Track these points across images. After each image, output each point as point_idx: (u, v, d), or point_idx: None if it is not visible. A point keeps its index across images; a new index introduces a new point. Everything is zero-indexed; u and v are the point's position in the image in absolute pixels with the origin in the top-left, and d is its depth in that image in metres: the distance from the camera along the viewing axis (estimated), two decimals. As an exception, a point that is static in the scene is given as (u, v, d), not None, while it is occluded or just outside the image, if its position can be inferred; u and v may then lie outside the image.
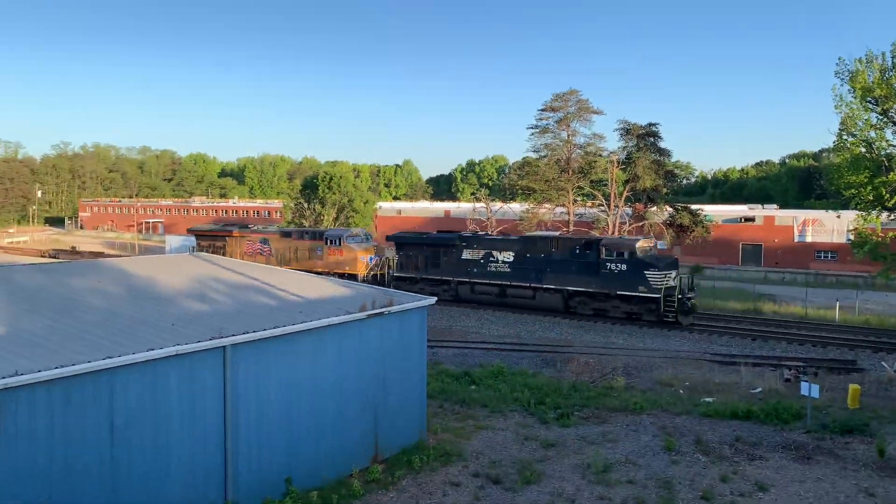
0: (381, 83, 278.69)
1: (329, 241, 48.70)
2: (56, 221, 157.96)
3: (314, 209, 58.33)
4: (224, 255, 49.01)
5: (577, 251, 39.46)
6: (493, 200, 64.92)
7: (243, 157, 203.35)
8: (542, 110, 51.94)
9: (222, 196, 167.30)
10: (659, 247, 43.87)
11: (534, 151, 53.63)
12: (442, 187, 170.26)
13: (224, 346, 14.92)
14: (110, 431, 12.65)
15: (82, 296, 17.88)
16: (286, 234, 52.51)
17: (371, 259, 47.34)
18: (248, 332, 15.43)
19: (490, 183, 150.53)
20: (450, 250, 44.14)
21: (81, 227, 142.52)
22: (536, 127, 52.75)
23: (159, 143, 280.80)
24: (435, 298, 21.83)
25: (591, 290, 38.56)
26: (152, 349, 13.56)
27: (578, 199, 53.30)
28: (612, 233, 49.18)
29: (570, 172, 51.45)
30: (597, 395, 23.84)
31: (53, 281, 19.62)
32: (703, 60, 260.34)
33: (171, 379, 13.94)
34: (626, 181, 49.44)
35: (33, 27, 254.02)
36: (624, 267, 37.19)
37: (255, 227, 58.06)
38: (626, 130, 49.80)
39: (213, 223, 65.87)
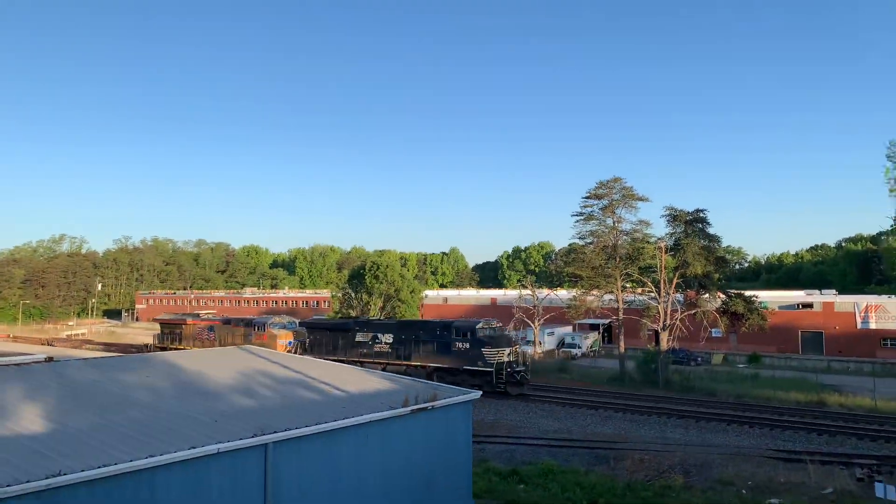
0: (426, 174, 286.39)
1: (256, 327, 57.22)
2: (114, 314, 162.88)
3: (361, 299, 58.94)
4: (181, 339, 62.18)
5: (437, 332, 44.77)
6: (539, 287, 64.50)
7: (294, 248, 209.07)
8: (587, 197, 52.20)
9: (273, 287, 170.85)
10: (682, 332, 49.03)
11: (579, 238, 53.58)
12: (488, 274, 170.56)
13: (266, 444, 14.73)
14: (151, 532, 12.39)
15: (131, 391, 18.06)
16: (227, 322, 61.51)
17: (290, 343, 53.92)
18: (289, 429, 15.23)
19: (536, 269, 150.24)
20: (346, 334, 49.84)
21: (137, 319, 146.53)
22: (581, 214, 52.89)
23: (214, 236, 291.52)
24: (480, 392, 21.33)
25: (445, 365, 43.48)
26: (194, 447, 13.44)
27: (627, 286, 52.52)
28: (664, 320, 48.06)
29: (618, 259, 50.97)
30: (653, 496, 22.49)
31: (105, 376, 19.95)
32: (748, 143, 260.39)
33: (212, 476, 13.74)
34: (676, 268, 48.61)
35: (93, 134, 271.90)
36: (467, 345, 42.97)
37: (206, 316, 70.14)
38: (674, 217, 49.38)
39: (220, 316, 72.61)
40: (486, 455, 28.65)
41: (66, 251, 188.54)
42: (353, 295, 60.36)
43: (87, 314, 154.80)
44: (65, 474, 11.25)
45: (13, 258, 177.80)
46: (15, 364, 20.78)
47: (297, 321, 59.78)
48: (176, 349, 54.86)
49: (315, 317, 67.83)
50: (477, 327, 43.73)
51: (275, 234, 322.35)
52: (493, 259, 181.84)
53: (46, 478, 10.96)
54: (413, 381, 21.70)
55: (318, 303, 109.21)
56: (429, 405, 18.66)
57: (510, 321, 53.11)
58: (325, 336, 51.69)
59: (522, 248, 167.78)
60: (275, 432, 14.91)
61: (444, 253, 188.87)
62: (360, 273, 61.02)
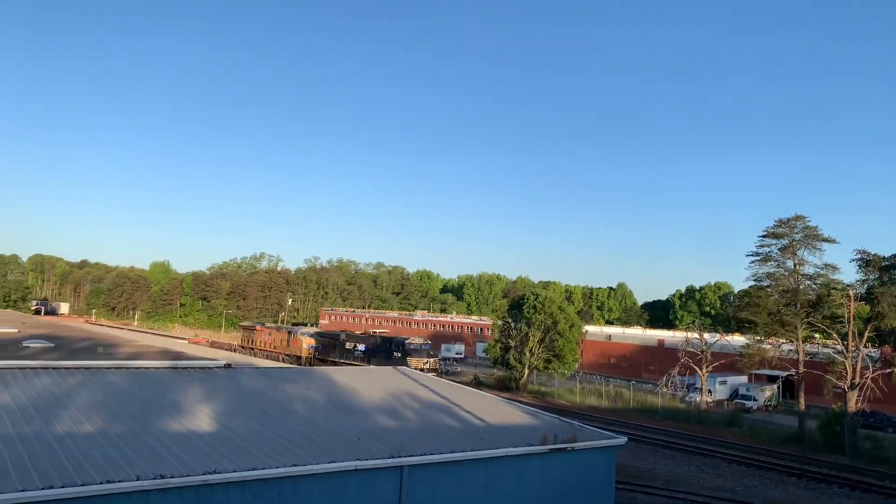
0: (595, 208, 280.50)
1: (291, 333, 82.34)
2: (301, 327, 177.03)
3: (520, 329, 59.01)
4: (253, 340, 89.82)
5: (385, 344, 66.17)
6: (713, 330, 60.48)
7: (463, 275, 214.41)
8: (764, 236, 47.78)
9: (442, 311, 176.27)
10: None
11: (755, 280, 49.19)
12: (658, 313, 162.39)
13: (402, 466, 15.31)
14: (291, 536, 13.36)
15: (290, 402, 19.62)
16: (279, 329, 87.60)
17: (312, 347, 76.86)
18: (426, 454, 15.69)
19: (712, 312, 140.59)
20: (338, 341, 73.04)
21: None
22: (757, 254, 48.44)
23: (392, 260, 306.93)
24: (626, 438, 20.48)
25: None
26: (335, 461, 14.34)
27: (810, 336, 47.34)
28: (853, 378, 42.67)
29: (798, 306, 46.01)
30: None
31: (271, 385, 21.88)
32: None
33: (350, 491, 14.51)
34: (868, 319, 42.94)
35: (291, 162, 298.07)
36: (399, 354, 62.02)
37: (267, 324, 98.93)
38: (866, 262, 43.58)
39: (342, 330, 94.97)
40: (640, 505, 27.29)
41: (264, 268, 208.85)
42: (511, 325, 60.65)
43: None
44: (219, 472, 12.53)
45: (221, 272, 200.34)
46: (200, 368, 23.45)
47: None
48: (250, 347, 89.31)
49: (322, 330, 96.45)
50: (406, 342, 64.85)
51: (446, 261, 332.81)
52: (664, 297, 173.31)
53: (203, 474, 12.29)
54: (554, 419, 21.35)
55: (481, 329, 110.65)
56: (568, 446, 18.28)
57: (676, 365, 50.00)
58: (328, 342, 75.37)
59: (697, 287, 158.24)
60: (411, 455, 15.45)
61: (611, 288, 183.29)
62: (519, 303, 61.21)
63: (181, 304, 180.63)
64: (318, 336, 79.87)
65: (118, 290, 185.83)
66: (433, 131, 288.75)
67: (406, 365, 54.05)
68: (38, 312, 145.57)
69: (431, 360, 62.49)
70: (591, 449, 18.89)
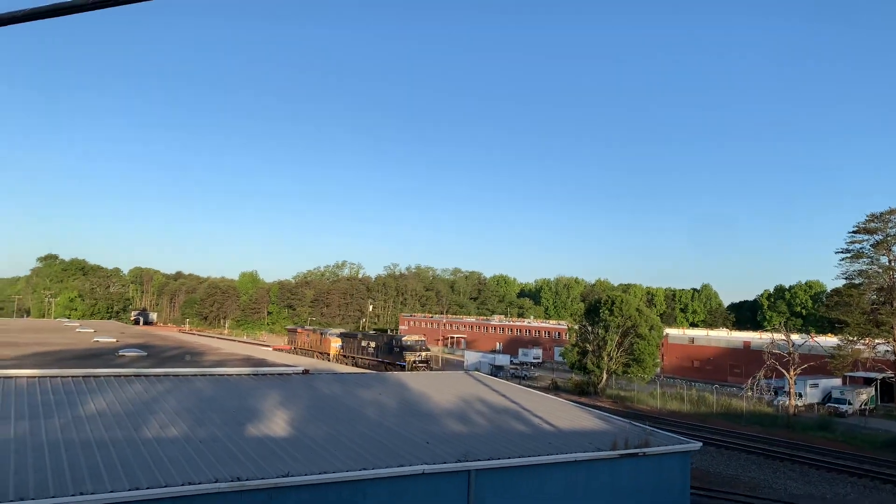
0: (675, 206, 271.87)
1: (322, 333, 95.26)
2: (381, 332, 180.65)
3: (598, 333, 58.02)
4: (296, 340, 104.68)
5: (388, 342, 78.52)
6: (804, 331, 57.62)
7: (540, 279, 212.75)
8: (855, 232, 45.06)
9: (520, 315, 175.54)
10: None
11: (845, 279, 46.41)
12: (745, 314, 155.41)
13: (469, 470, 15.55)
14: (358, 539, 13.83)
15: (362, 407, 20.23)
16: (314, 331, 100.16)
17: (340, 346, 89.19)
18: (492, 459, 15.87)
19: (804, 312, 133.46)
20: (356, 340, 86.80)
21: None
22: (847, 251, 45.74)
23: (468, 265, 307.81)
24: (700, 443, 19.97)
25: (388, 360, 74.41)
26: (402, 465, 14.73)
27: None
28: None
29: (895, 305, 43.23)
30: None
31: (345, 391, 22.61)
32: None
33: (418, 494, 14.86)
34: (976, 319, 40.05)
35: (367, 173, 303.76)
36: (399, 350, 74.32)
37: (305, 327, 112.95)
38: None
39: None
40: (721, 512, 26.48)
41: (345, 276, 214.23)
42: (588, 329, 59.73)
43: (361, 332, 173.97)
44: (291, 476, 13.15)
45: (305, 281, 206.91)
46: (278, 374, 24.48)
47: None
48: (295, 347, 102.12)
49: (349, 331, 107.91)
50: (402, 339, 77.92)
51: (522, 265, 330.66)
52: (751, 298, 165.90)
53: (276, 477, 12.94)
54: (626, 424, 21.06)
55: (559, 333, 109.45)
56: (639, 451, 18.05)
57: (762, 368, 47.73)
58: (350, 341, 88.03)
59: (787, 287, 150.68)
60: (477, 460, 15.68)
61: (695, 289, 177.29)
62: (596, 307, 60.22)
63: (268, 312, 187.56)
64: (343, 336, 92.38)
65: (210, 300, 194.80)
66: (510, 135, 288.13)
67: (402, 357, 73.31)
68: (136, 322, 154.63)
69: (423, 353, 75.91)
70: (664, 454, 18.56)
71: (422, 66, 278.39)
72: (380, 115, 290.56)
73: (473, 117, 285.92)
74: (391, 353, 75.11)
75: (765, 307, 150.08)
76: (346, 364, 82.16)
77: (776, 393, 54.43)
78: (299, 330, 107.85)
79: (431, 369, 72.26)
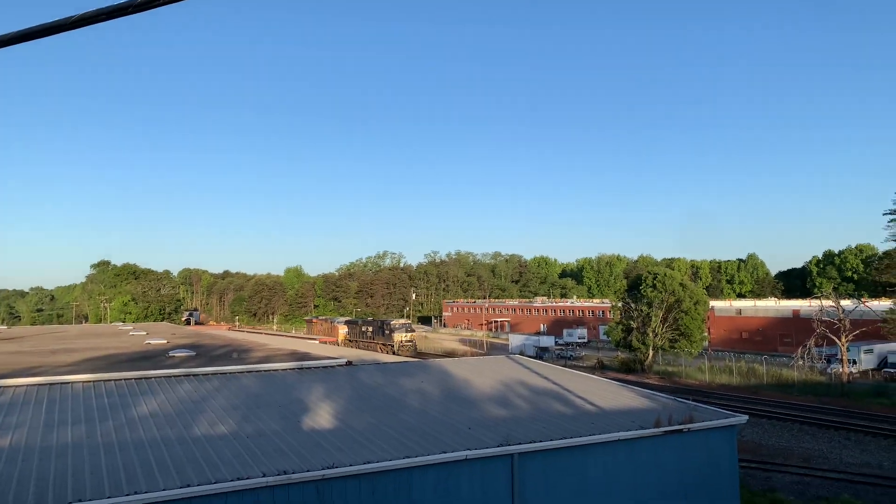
0: (714, 177, 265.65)
1: (332, 322, 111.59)
2: (425, 320, 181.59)
3: (641, 309, 57.31)
4: (312, 330, 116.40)
5: (379, 325, 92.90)
6: (855, 297, 55.91)
7: (582, 258, 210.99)
8: (904, 192, 43.68)
9: (562, 296, 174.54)
10: None
11: (893, 240, 44.84)
12: (794, 283, 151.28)
13: (511, 454, 15.66)
14: (407, 527, 14.09)
15: (405, 396, 20.52)
16: (326, 321, 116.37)
17: (346, 332, 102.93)
18: (534, 442, 15.95)
19: (855, 277, 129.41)
20: (357, 326, 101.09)
21: (444, 326, 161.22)
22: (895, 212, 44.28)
23: (508, 248, 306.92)
24: (746, 417, 19.70)
25: (380, 342, 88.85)
26: (445, 452, 14.93)
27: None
28: None
29: (949, 267, 41.70)
30: None
31: (387, 380, 22.95)
32: None
33: (462, 480, 15.06)
34: None
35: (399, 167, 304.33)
36: (388, 332, 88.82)
37: (319, 317, 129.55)
38: None
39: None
40: (774, 484, 26.12)
41: (387, 266, 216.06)
42: (632, 306, 59.04)
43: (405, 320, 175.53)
44: (337, 467, 13.46)
45: (349, 273, 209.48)
46: (322, 367, 24.96)
47: (409, 322, 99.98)
48: (311, 335, 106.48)
49: (350, 318, 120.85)
50: (391, 323, 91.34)
51: (563, 245, 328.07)
52: (799, 265, 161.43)
53: (322, 469, 13.26)
54: (670, 400, 20.90)
55: (603, 312, 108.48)
56: (683, 427, 17.90)
57: (812, 336, 46.45)
58: (354, 328, 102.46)
59: (836, 252, 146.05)
60: (520, 444, 15.78)
61: (740, 260, 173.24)
62: (638, 284, 59.45)
63: (315, 306, 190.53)
64: (348, 323, 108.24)
65: (257, 297, 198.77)
66: (540, 113, 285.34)
67: (391, 338, 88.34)
68: (187, 323, 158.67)
69: (409, 334, 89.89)
70: (708, 429, 18.36)
71: (452, 44, 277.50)
72: (414, 102, 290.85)
73: (504, 91, 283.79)
74: (383, 335, 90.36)
75: (814, 274, 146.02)
76: (351, 347, 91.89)
77: (828, 361, 53.12)
78: (314, 320, 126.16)
79: (416, 347, 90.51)
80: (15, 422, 15.76)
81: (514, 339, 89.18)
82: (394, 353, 76.48)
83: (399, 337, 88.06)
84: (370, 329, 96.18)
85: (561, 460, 16.31)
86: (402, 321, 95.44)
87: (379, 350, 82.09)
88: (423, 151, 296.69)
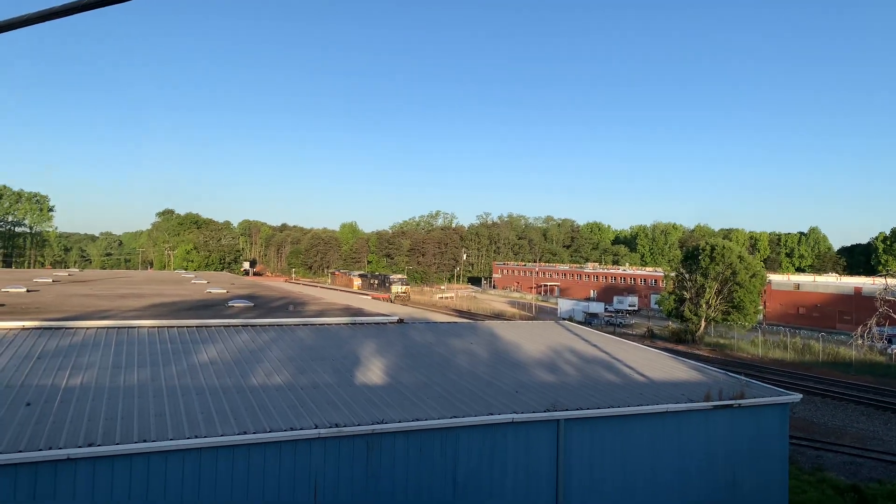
0: (779, 143, 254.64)
1: (349, 275, 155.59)
2: (475, 281, 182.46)
3: (695, 280, 56.10)
4: (335, 282, 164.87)
5: (384, 278, 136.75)
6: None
7: (636, 225, 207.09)
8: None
9: (615, 263, 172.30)
10: None
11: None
12: (857, 259, 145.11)
13: (557, 420, 15.78)
14: (453, 486, 14.45)
15: (454, 356, 20.82)
16: (345, 274, 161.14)
17: (360, 283, 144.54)
18: (580, 409, 16.02)
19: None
20: (368, 278, 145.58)
21: (494, 287, 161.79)
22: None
23: (561, 213, 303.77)
24: (800, 395, 19.29)
25: (382, 292, 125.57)
26: (492, 413, 15.16)
27: None
28: None
29: None
30: None
31: (438, 340, 23.28)
32: None
33: (508, 442, 15.29)
34: None
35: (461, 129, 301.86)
36: (388, 284, 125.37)
37: (340, 270, 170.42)
38: None
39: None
40: (824, 464, 25.69)
41: (440, 225, 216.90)
42: (686, 276, 57.85)
43: (455, 280, 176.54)
44: (386, 423, 13.84)
45: (402, 231, 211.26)
46: (374, 324, 25.47)
47: (405, 277, 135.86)
48: (334, 286, 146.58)
49: (363, 272, 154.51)
50: (390, 277, 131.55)
51: (617, 211, 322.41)
52: (864, 241, 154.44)
53: (372, 423, 13.66)
54: (721, 374, 20.61)
55: (655, 281, 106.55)
56: (734, 402, 17.68)
57: (873, 315, 44.57)
58: (366, 280, 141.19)
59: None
60: (566, 409, 15.87)
61: (801, 233, 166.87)
62: (694, 254, 58.03)
63: (368, 262, 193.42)
64: (361, 276, 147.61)
65: (313, 251, 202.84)
66: (601, 77, 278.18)
67: (389, 289, 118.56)
68: (246, 273, 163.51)
69: (404, 287, 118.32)
70: (760, 406, 18.09)
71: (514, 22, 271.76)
72: (469, 67, 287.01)
73: (561, 54, 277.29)
74: (383, 287, 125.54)
75: (880, 250, 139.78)
76: (363, 294, 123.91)
77: (889, 341, 51.26)
78: (337, 273, 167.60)
79: (409, 297, 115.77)
80: (86, 362, 16.69)
81: (564, 304, 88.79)
82: (391, 302, 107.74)
83: (396, 289, 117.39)
84: (376, 282, 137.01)
85: (607, 429, 16.35)
86: (399, 276, 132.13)
87: (381, 299, 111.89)
88: (485, 114, 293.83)
